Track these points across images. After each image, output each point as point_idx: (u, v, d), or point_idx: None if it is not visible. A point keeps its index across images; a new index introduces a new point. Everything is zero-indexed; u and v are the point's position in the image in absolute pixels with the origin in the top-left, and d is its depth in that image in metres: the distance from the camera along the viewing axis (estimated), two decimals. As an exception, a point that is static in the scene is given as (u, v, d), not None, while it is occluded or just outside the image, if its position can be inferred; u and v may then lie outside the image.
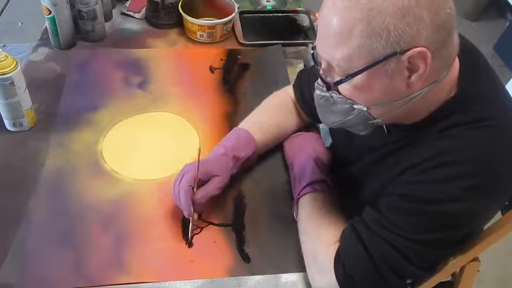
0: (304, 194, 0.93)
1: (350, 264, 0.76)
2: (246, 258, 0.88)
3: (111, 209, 0.94)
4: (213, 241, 0.90)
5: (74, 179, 0.98)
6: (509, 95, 0.79)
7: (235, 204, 0.96)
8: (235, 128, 1.03)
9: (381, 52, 0.66)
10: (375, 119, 0.75)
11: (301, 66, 1.30)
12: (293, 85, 1.11)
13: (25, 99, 1.03)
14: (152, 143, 1.08)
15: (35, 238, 0.88)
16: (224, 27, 1.35)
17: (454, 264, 0.94)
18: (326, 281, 0.80)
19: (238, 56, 1.32)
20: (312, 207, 0.90)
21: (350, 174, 0.92)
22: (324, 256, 0.81)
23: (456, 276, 1.11)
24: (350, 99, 0.73)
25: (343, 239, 0.80)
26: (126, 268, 0.85)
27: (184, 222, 0.92)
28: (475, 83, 0.76)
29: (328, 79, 0.74)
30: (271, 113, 1.07)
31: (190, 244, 0.89)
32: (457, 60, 0.75)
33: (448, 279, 1.14)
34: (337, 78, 0.72)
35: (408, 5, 0.64)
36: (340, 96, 0.74)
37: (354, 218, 0.81)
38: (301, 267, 0.87)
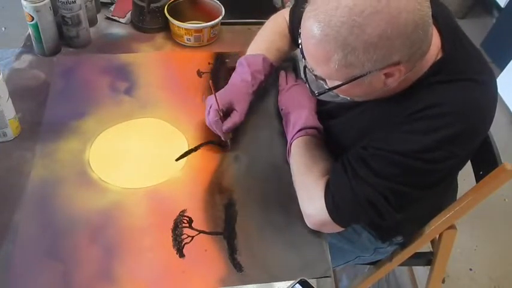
0: (297, 138, 1.00)
1: (338, 197, 0.87)
2: (238, 267, 0.87)
3: (99, 220, 0.92)
4: (204, 250, 0.89)
5: (61, 190, 0.96)
6: (483, 55, 0.89)
7: (226, 212, 0.95)
8: (244, 56, 1.13)
9: (358, 73, 0.75)
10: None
11: (289, 68, 1.29)
12: (288, 18, 1.17)
13: (8, 109, 1.01)
14: (140, 150, 1.06)
15: (21, 252, 0.86)
16: (211, 31, 1.33)
17: (432, 231, 1.12)
18: (317, 208, 0.90)
19: (226, 60, 1.30)
20: (304, 148, 0.99)
21: (334, 124, 1.02)
22: (315, 186, 0.91)
23: (435, 244, 1.24)
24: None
25: (333, 174, 0.90)
26: (116, 281, 0.83)
27: (175, 231, 0.90)
28: (458, 47, 0.84)
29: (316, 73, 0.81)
30: (272, 39, 1.17)
31: (181, 254, 0.88)
32: (433, 26, 0.78)
33: (429, 250, 1.30)
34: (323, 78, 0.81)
35: (378, 40, 0.69)
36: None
37: (344, 155, 0.89)
38: (294, 275, 0.85)
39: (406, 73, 0.77)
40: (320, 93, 0.83)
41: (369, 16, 0.68)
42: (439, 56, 0.82)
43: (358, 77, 0.75)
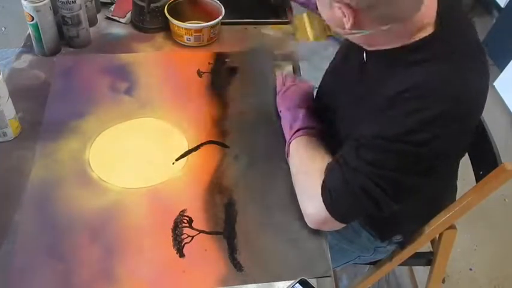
0: (296, 138, 1.01)
1: (334, 191, 0.87)
2: (238, 266, 0.87)
3: (99, 219, 0.92)
4: (204, 250, 0.89)
5: (61, 189, 0.96)
6: (479, 41, 0.88)
7: (226, 212, 0.95)
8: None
9: None
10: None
11: (289, 68, 1.29)
12: None
13: (8, 109, 1.01)
14: (140, 150, 1.06)
15: (21, 252, 0.86)
16: (211, 31, 1.33)
17: (432, 231, 1.11)
18: (316, 207, 0.90)
19: (226, 60, 1.30)
20: (302, 148, 0.99)
21: (333, 119, 1.01)
22: (314, 185, 0.91)
23: (435, 244, 1.25)
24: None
25: (328, 171, 0.91)
26: (116, 281, 0.83)
27: (175, 231, 0.91)
28: (451, 25, 0.83)
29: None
30: None
31: (181, 254, 0.88)
32: (434, 2, 0.80)
33: (429, 250, 1.31)
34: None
35: None
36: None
37: (338, 152, 0.90)
38: (294, 274, 0.85)
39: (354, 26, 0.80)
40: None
41: None
42: (429, 32, 0.81)
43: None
